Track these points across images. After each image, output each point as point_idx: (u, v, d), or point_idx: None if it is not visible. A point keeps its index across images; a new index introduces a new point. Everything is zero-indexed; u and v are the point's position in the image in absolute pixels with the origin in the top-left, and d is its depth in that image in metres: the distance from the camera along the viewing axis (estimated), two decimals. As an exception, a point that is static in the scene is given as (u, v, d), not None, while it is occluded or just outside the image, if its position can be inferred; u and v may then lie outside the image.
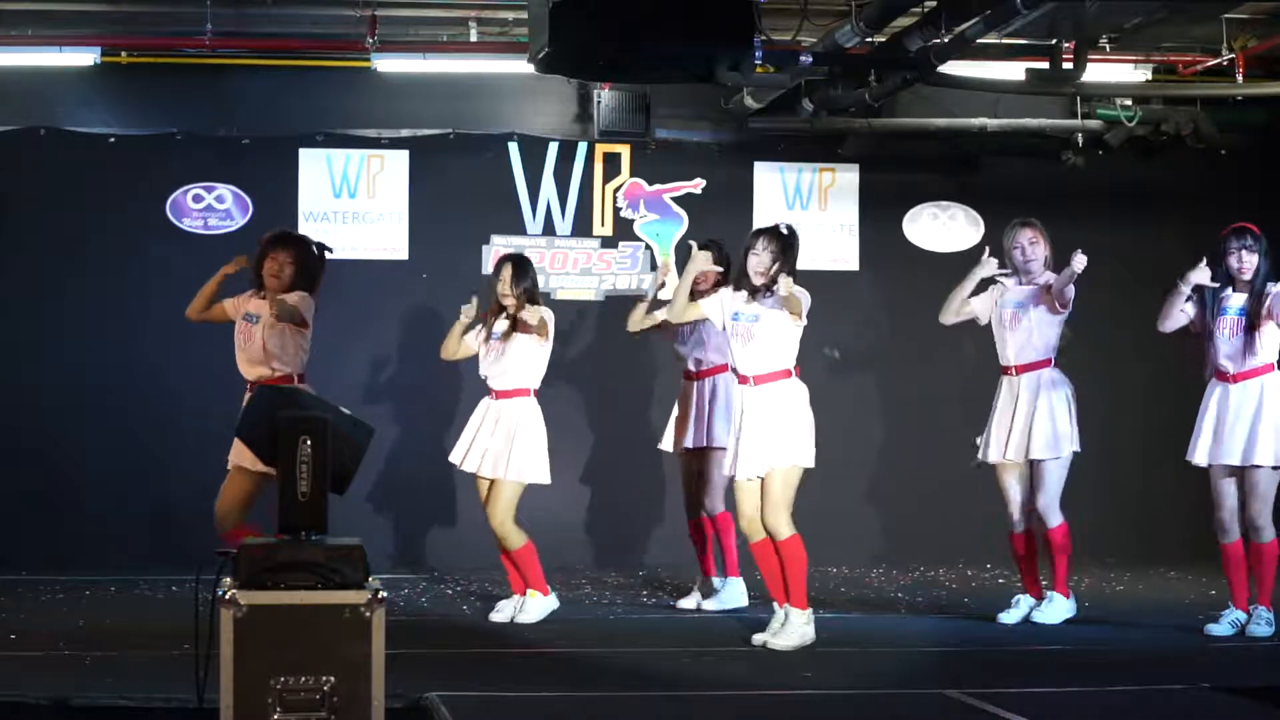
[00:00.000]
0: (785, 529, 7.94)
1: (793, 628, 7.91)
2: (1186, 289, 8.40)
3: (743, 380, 7.95)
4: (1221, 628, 8.38)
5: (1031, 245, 8.75)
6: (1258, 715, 6.74)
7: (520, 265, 8.74)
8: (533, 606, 8.69)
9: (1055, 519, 8.66)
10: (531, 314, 8.52)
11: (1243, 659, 7.94)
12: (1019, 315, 8.72)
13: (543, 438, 8.66)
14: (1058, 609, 8.70)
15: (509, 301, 8.66)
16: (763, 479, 7.91)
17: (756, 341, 7.89)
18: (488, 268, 11.07)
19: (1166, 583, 10.45)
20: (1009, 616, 8.71)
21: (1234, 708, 6.76)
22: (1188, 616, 8.94)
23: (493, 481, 8.61)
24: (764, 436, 7.86)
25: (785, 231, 8.06)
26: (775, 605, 8.04)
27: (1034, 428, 8.61)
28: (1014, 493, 8.76)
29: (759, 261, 7.95)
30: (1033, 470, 8.68)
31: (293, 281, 8.56)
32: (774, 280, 7.86)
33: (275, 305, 8.39)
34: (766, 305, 7.90)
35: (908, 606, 9.44)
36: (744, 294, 7.97)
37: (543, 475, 8.67)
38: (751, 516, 7.99)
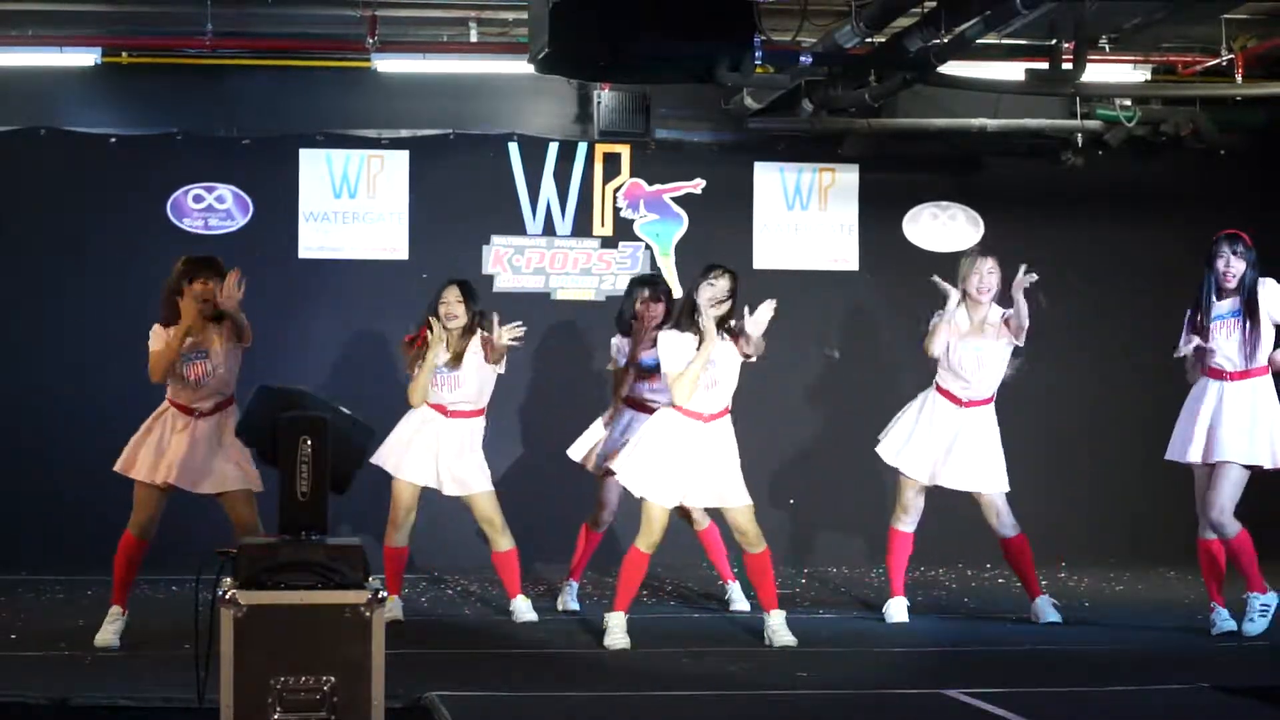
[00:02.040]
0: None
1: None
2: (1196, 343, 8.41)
3: (695, 417, 8.04)
4: (1256, 625, 8.32)
5: (990, 275, 8.79)
6: (1258, 715, 6.75)
7: (469, 288, 8.80)
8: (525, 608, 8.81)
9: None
10: (501, 335, 8.54)
11: (1243, 659, 7.94)
12: (979, 356, 8.75)
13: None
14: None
15: (458, 324, 8.67)
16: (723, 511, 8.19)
17: (720, 386, 8.06)
18: (488, 268, 11.08)
19: (1166, 583, 10.46)
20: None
21: (1234, 708, 6.77)
22: (1188, 616, 8.95)
23: (472, 495, 8.74)
24: (727, 475, 8.10)
25: (731, 270, 8.20)
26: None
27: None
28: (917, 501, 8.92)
29: (714, 297, 8.03)
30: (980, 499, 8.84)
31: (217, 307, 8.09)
32: (727, 319, 8.03)
33: (230, 328, 8.06)
34: (724, 345, 8.06)
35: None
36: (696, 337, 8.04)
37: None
38: (661, 529, 8.12)
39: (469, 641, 8.29)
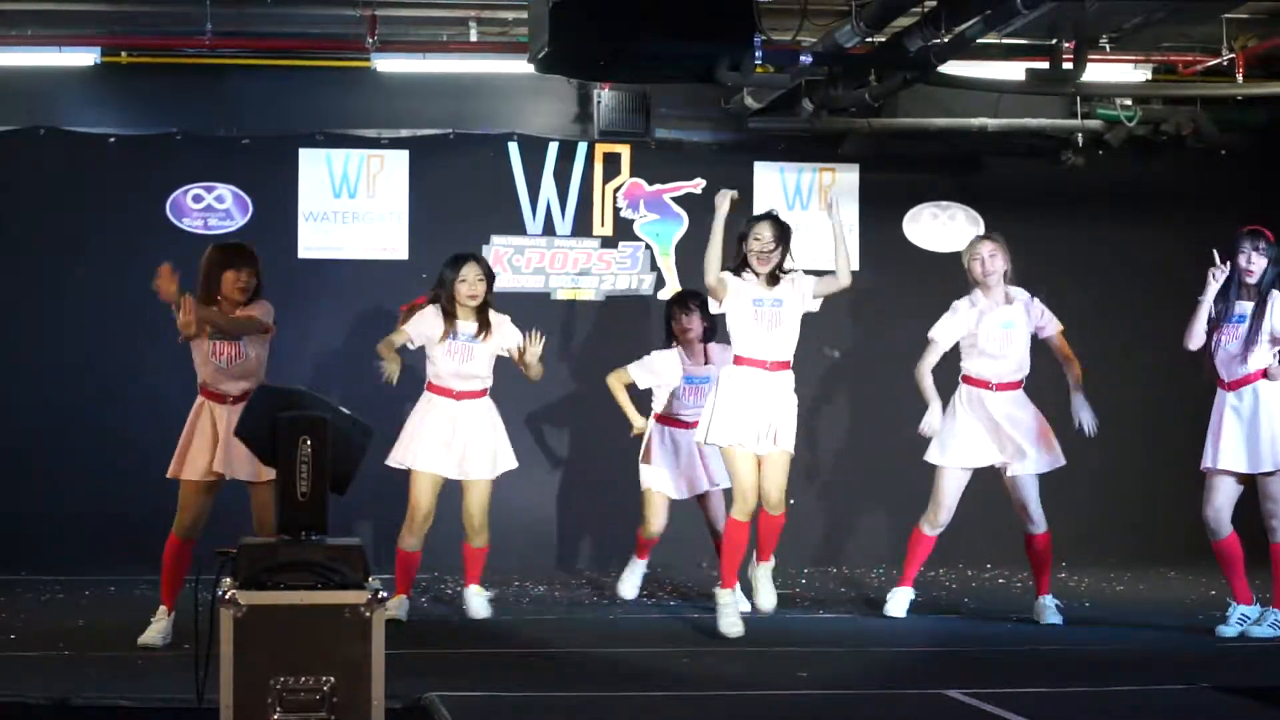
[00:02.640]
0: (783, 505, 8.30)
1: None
2: (1208, 302, 8.36)
3: (759, 364, 8.17)
4: (1230, 628, 8.36)
5: (991, 259, 8.78)
6: (1258, 715, 6.74)
7: (487, 265, 8.84)
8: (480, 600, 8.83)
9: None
10: (533, 347, 8.67)
11: (1243, 659, 7.94)
12: (1008, 333, 8.76)
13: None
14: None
15: (475, 302, 8.67)
16: (763, 459, 8.20)
17: (783, 327, 8.22)
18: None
19: (1166, 583, 10.45)
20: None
21: (1234, 708, 6.76)
22: (1188, 616, 8.95)
23: (471, 482, 8.69)
24: (786, 419, 8.21)
25: (777, 215, 8.44)
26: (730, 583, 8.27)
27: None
28: (950, 497, 8.92)
29: (764, 247, 8.22)
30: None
31: (254, 294, 8.18)
32: (780, 267, 8.22)
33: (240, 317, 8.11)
34: (783, 291, 8.24)
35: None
36: (754, 280, 8.22)
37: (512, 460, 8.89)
38: (753, 489, 8.19)
39: (469, 641, 8.29)
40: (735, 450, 8.16)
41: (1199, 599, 9.60)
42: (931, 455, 8.92)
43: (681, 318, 9.15)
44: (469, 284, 8.66)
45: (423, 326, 8.68)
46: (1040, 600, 8.85)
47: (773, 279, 8.27)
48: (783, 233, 8.32)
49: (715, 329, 9.05)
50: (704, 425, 8.27)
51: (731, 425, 8.16)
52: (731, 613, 8.20)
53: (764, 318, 8.20)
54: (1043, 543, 8.89)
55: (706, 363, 9.11)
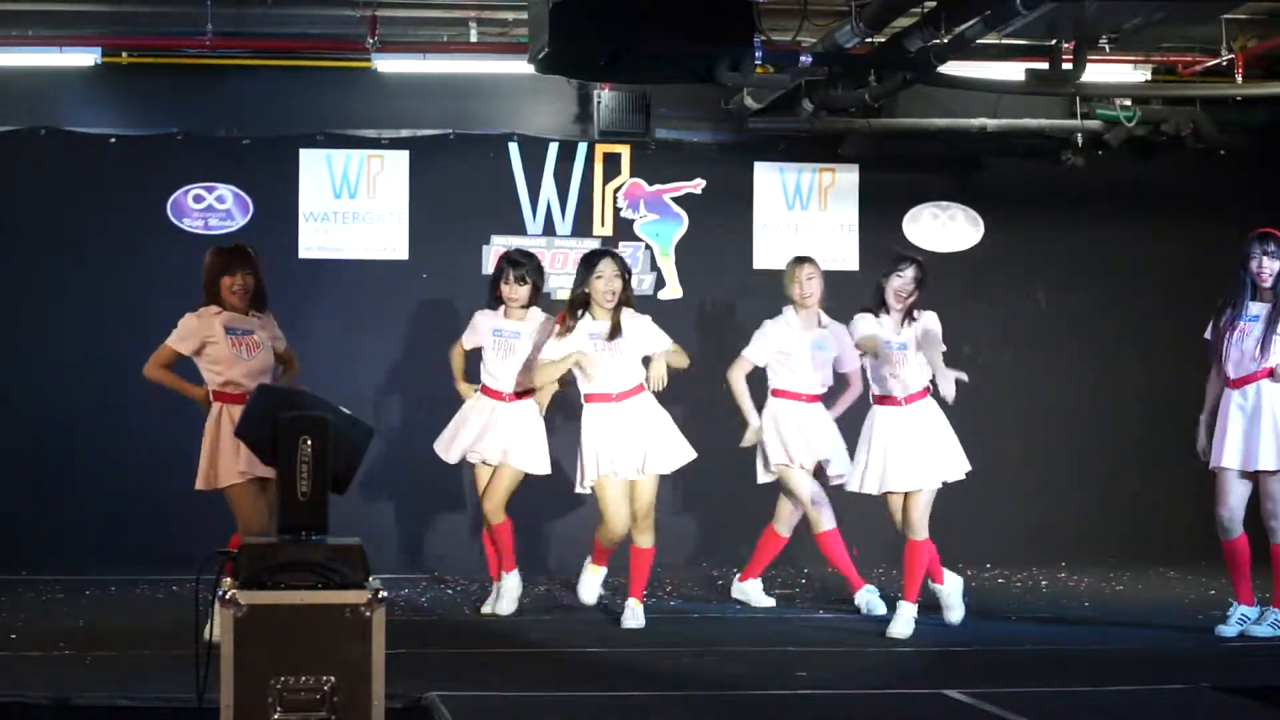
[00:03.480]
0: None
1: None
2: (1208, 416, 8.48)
3: (893, 401, 8.55)
4: (1230, 628, 8.37)
5: (809, 280, 9.16)
6: (1258, 715, 6.75)
7: (623, 260, 8.79)
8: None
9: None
10: (677, 356, 8.64)
11: (1243, 659, 7.94)
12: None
13: None
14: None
15: (611, 300, 8.57)
16: (908, 494, 8.57)
17: (909, 365, 8.53)
18: (488, 268, 11.06)
19: (1166, 583, 10.45)
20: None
21: (1234, 708, 6.77)
22: (1188, 616, 8.95)
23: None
24: (928, 451, 8.57)
25: (922, 260, 8.81)
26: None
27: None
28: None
29: (903, 286, 8.59)
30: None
31: (253, 297, 8.30)
32: (912, 308, 8.59)
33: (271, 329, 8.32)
34: (909, 332, 8.59)
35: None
36: (889, 321, 8.61)
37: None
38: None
39: (469, 641, 8.30)
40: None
41: (1199, 599, 9.61)
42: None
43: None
44: (606, 280, 8.56)
45: (570, 346, 8.57)
46: (861, 592, 9.26)
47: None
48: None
49: None
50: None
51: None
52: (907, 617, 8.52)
53: (891, 359, 8.52)
54: (830, 538, 9.14)
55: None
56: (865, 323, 8.63)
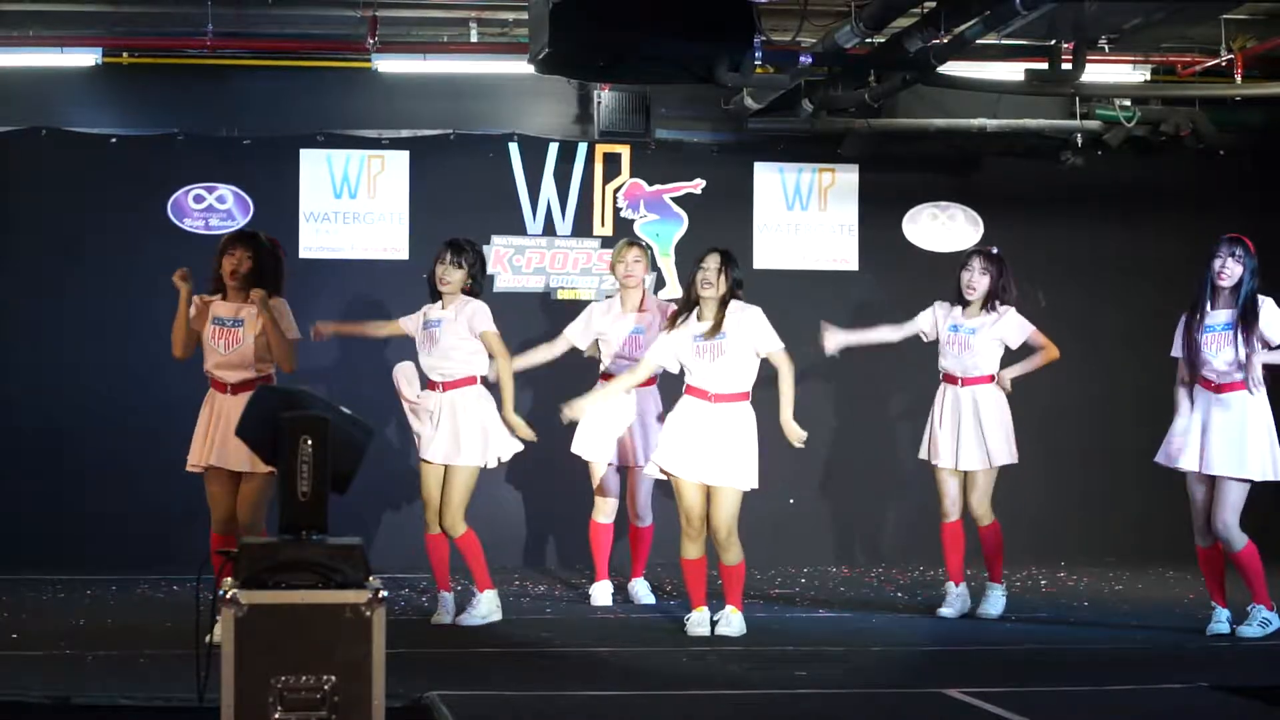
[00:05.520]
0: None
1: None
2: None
3: (952, 381, 8.98)
4: (1220, 625, 8.37)
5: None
6: (1258, 715, 6.75)
7: (730, 255, 8.34)
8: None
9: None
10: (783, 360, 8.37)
11: (1243, 659, 7.95)
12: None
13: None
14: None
15: (710, 293, 8.22)
16: (968, 473, 8.92)
17: (972, 351, 8.89)
18: (489, 268, 11.07)
19: (1166, 583, 10.46)
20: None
21: (1234, 708, 6.77)
22: (1187, 616, 8.95)
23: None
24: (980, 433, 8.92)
25: (996, 252, 9.05)
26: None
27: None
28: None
29: (972, 279, 8.90)
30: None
31: (247, 277, 8.34)
32: (989, 298, 8.90)
33: (260, 303, 8.26)
34: (980, 320, 8.91)
35: (908, 606, 9.45)
36: (960, 308, 8.97)
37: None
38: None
39: (469, 641, 8.30)
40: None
41: (1199, 599, 9.60)
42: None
43: None
44: (705, 272, 8.25)
45: (666, 350, 8.39)
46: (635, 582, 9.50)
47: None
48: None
49: None
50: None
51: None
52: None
53: (956, 341, 8.90)
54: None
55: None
56: (931, 309, 9.09)
